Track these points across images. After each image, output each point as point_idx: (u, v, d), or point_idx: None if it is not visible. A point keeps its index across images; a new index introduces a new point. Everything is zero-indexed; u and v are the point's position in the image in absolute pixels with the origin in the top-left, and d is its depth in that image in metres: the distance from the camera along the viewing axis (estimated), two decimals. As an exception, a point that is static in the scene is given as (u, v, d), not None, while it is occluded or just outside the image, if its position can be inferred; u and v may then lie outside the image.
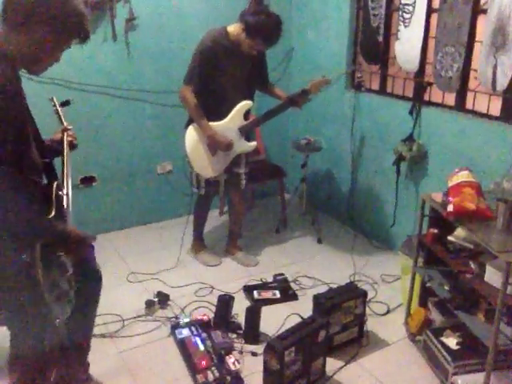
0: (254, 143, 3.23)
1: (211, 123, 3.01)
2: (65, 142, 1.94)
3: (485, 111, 2.84)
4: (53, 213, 1.68)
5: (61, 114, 2.06)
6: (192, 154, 3.09)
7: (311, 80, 3.18)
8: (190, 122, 3.10)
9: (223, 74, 2.96)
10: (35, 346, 1.77)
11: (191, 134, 3.08)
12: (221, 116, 3.04)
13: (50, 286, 1.63)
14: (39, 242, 1.56)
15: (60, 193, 1.79)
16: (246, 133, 3.15)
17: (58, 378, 1.94)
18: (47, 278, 1.60)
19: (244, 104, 3.06)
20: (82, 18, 1.60)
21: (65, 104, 2.11)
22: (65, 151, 1.93)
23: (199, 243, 3.48)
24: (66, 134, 1.97)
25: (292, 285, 3.11)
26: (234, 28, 2.94)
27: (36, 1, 1.51)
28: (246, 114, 3.14)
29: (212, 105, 3.00)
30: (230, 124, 3.06)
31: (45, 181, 1.77)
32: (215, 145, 3.04)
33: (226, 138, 3.03)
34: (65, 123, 2.03)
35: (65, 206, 1.79)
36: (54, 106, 2.08)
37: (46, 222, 1.63)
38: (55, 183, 1.77)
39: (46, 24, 1.53)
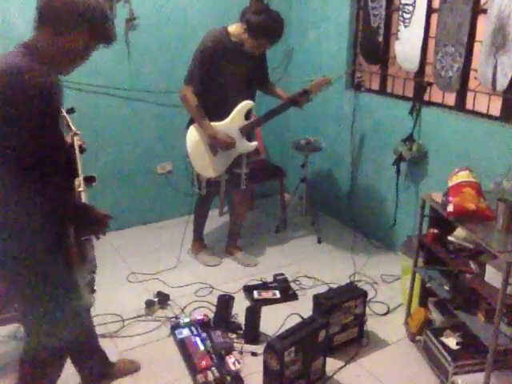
0: (254, 143, 3.23)
1: (212, 123, 3.01)
2: (76, 146, 1.99)
3: (485, 111, 2.84)
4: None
5: (68, 120, 2.10)
6: (193, 155, 3.09)
7: (312, 80, 3.18)
8: (190, 122, 3.10)
9: (224, 74, 2.96)
10: (60, 336, 1.82)
11: (192, 135, 3.08)
12: (222, 116, 3.04)
13: (81, 272, 1.73)
14: (75, 222, 1.69)
15: (80, 189, 1.87)
16: (247, 133, 3.15)
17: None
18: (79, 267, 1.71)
19: (245, 104, 3.06)
20: (111, 21, 1.70)
21: (69, 112, 2.15)
22: (76, 154, 1.98)
23: (199, 243, 3.48)
24: (75, 138, 2.03)
25: (292, 285, 3.11)
26: (234, 28, 2.94)
27: (73, 6, 1.58)
28: (247, 114, 3.13)
29: (213, 105, 3.00)
30: (231, 124, 3.06)
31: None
32: (217, 144, 3.04)
33: (227, 137, 3.02)
34: (73, 128, 2.07)
35: (83, 201, 1.88)
36: (61, 113, 2.12)
37: (81, 203, 1.77)
38: (78, 179, 1.86)
39: (83, 28, 1.61)
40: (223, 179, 3.22)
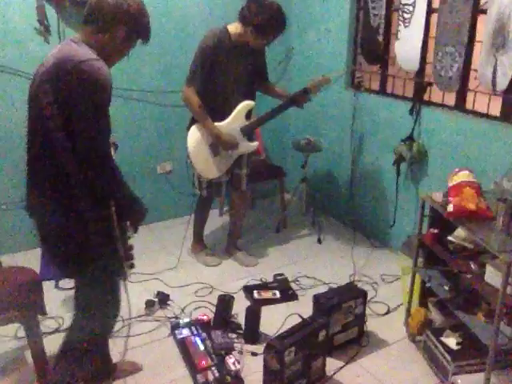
0: (255, 143, 3.23)
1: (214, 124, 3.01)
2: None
3: (485, 111, 2.84)
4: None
5: None
6: (194, 155, 3.08)
7: (311, 79, 3.18)
8: (191, 123, 3.09)
9: (225, 73, 2.96)
10: (107, 313, 2.04)
11: (194, 135, 3.07)
12: (223, 116, 3.04)
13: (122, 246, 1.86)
14: (115, 204, 1.80)
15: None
16: (248, 133, 3.15)
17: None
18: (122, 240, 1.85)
19: (246, 104, 3.06)
20: (148, 19, 1.87)
21: None
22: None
23: (199, 243, 3.48)
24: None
25: (292, 285, 3.11)
26: (234, 27, 2.94)
27: (118, 4, 1.75)
28: (248, 114, 3.13)
29: (214, 105, 3.00)
30: (232, 124, 3.06)
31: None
32: (221, 144, 3.04)
33: (231, 137, 3.03)
34: None
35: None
36: None
37: (127, 186, 1.91)
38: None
39: (125, 25, 1.78)
40: (224, 181, 3.21)
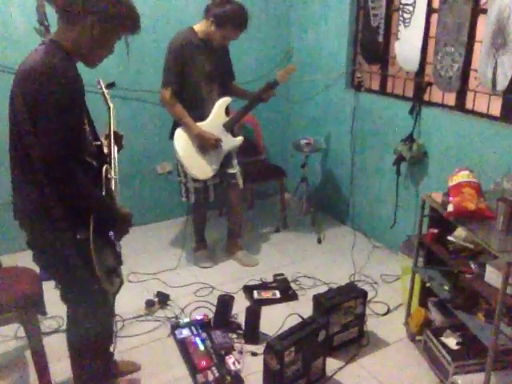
0: (240, 138, 3.26)
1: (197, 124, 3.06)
2: (112, 125, 2.04)
3: (485, 111, 2.84)
4: (103, 193, 1.81)
5: (107, 96, 2.13)
6: (185, 158, 3.09)
7: (278, 69, 3.24)
8: (173, 129, 3.12)
9: (197, 72, 3.01)
10: (91, 325, 1.92)
11: (180, 138, 3.09)
12: (200, 116, 3.08)
13: (101, 264, 1.75)
14: (93, 217, 1.70)
15: (109, 176, 1.89)
16: (231, 128, 3.19)
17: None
18: (100, 257, 1.73)
19: (224, 100, 3.13)
20: (129, 9, 1.76)
21: (110, 86, 2.19)
22: (111, 134, 2.02)
23: (200, 243, 3.48)
24: (111, 115, 2.07)
25: (292, 285, 3.11)
26: (200, 25, 3.00)
27: None
28: (227, 111, 3.18)
29: (190, 105, 3.04)
30: (213, 122, 3.11)
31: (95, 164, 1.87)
32: (204, 143, 3.06)
33: (213, 135, 3.06)
34: (110, 104, 2.10)
35: (113, 188, 1.90)
36: (101, 88, 2.15)
37: (100, 196, 1.78)
38: (105, 166, 1.87)
39: (96, 16, 1.67)
40: (211, 184, 3.22)
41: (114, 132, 2.04)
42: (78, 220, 1.70)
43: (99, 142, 1.93)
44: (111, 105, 2.10)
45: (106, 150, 1.98)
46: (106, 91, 2.11)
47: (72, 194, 1.66)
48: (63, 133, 1.60)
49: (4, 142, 3.25)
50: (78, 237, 1.70)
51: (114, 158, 1.97)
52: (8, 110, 1.72)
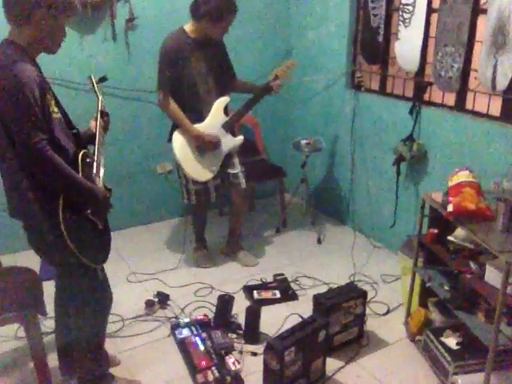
0: (240, 137, 3.25)
1: (195, 125, 3.05)
2: (98, 111, 2.15)
3: (485, 111, 2.84)
4: (79, 175, 1.86)
5: (96, 89, 2.24)
6: (184, 161, 3.08)
7: (279, 65, 3.26)
8: (172, 132, 3.12)
9: (192, 72, 3.01)
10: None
11: (178, 141, 3.09)
12: (199, 117, 3.08)
13: (77, 239, 1.83)
14: (63, 195, 1.78)
15: (88, 160, 1.95)
16: (230, 128, 3.18)
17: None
18: (76, 232, 1.82)
19: (222, 100, 3.11)
20: None
21: (102, 80, 2.30)
22: (98, 116, 2.13)
23: (200, 243, 3.48)
24: (100, 102, 2.18)
25: (292, 285, 3.11)
26: (190, 25, 3.00)
27: None
28: (225, 111, 3.17)
29: (187, 107, 3.04)
30: (212, 122, 3.10)
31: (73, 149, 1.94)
32: (203, 145, 3.06)
33: (212, 136, 3.06)
34: (99, 96, 2.21)
35: (94, 171, 1.96)
36: (91, 83, 2.25)
37: (72, 174, 1.81)
38: (82, 151, 1.94)
39: (45, 8, 1.74)
40: (212, 185, 3.22)
41: (101, 111, 2.16)
42: (52, 197, 1.79)
43: (75, 130, 2.04)
44: (100, 97, 2.22)
45: (94, 130, 2.10)
46: (96, 85, 2.23)
47: (44, 171, 1.75)
48: (28, 120, 1.70)
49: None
50: (51, 212, 1.78)
51: (100, 139, 2.07)
52: None
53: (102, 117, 2.15)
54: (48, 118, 1.80)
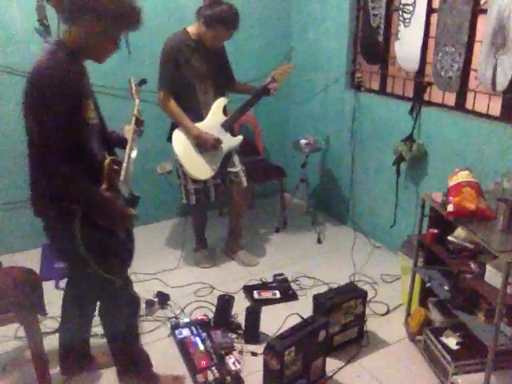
0: (239, 137, 3.26)
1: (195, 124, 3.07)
2: (134, 116, 2.13)
3: (485, 111, 2.84)
4: (104, 185, 1.83)
5: (134, 93, 2.23)
6: (184, 160, 3.09)
7: (276, 67, 3.26)
8: (171, 131, 3.13)
9: (191, 73, 3.03)
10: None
11: (178, 139, 3.10)
12: (197, 117, 3.09)
13: (94, 249, 1.82)
14: (85, 209, 1.77)
15: (115, 167, 1.90)
16: (230, 127, 3.20)
17: None
18: (93, 242, 1.81)
19: (220, 101, 3.15)
20: (129, 4, 1.77)
21: (142, 83, 2.31)
22: (133, 121, 2.11)
23: (200, 243, 3.48)
24: (136, 107, 2.16)
25: (292, 285, 3.11)
26: (193, 27, 3.03)
27: None
28: (224, 111, 3.19)
29: (186, 107, 3.05)
30: (211, 122, 3.12)
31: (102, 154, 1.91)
32: (203, 144, 3.07)
33: (211, 135, 3.07)
34: (136, 101, 2.19)
35: (121, 178, 1.90)
36: (130, 86, 2.24)
37: (93, 189, 1.79)
38: (108, 159, 1.89)
39: (95, 14, 1.71)
40: (211, 184, 3.22)
41: (136, 117, 2.13)
42: (62, 207, 1.77)
43: (107, 136, 2.02)
44: (137, 101, 2.19)
45: (127, 136, 2.07)
46: (134, 88, 2.20)
47: (60, 187, 1.74)
48: (54, 130, 1.68)
49: (9, 139, 3.28)
50: (70, 222, 1.77)
51: (131, 143, 2.02)
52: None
53: (136, 124, 2.12)
54: (80, 125, 1.78)
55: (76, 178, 1.74)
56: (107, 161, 1.87)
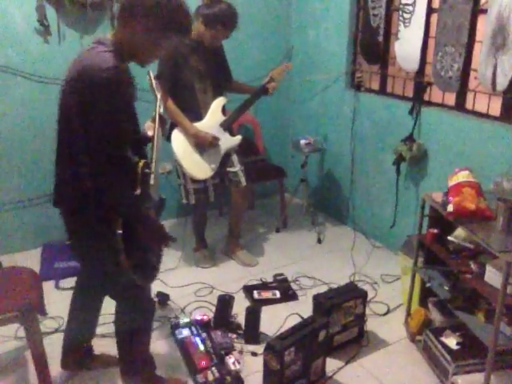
0: (238, 137, 3.27)
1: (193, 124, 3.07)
2: (157, 112, 2.01)
3: (485, 111, 2.84)
4: (138, 190, 1.79)
5: (154, 86, 2.10)
6: (183, 159, 3.09)
7: (274, 68, 3.28)
8: (170, 131, 3.12)
9: (190, 72, 3.03)
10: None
11: (177, 139, 3.10)
12: (197, 116, 3.10)
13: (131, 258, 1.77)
14: (123, 217, 1.72)
15: (147, 170, 1.84)
16: (229, 127, 3.20)
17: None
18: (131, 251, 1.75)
19: (219, 100, 3.15)
20: (178, 11, 1.75)
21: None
22: (156, 118, 1.99)
23: (200, 243, 3.49)
24: (157, 106, 2.03)
25: (292, 285, 3.11)
26: (192, 26, 2.99)
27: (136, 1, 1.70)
28: (223, 111, 3.19)
29: (185, 106, 3.05)
30: (210, 122, 3.12)
31: (135, 158, 1.87)
32: (201, 143, 3.07)
33: (210, 134, 3.07)
34: (158, 94, 2.07)
35: (151, 182, 1.85)
36: (150, 79, 2.13)
37: (133, 197, 1.76)
38: (143, 161, 1.84)
39: (143, 18, 1.70)
40: (210, 184, 3.22)
41: (159, 115, 2.04)
42: (105, 215, 1.73)
43: (138, 136, 1.97)
44: (158, 95, 2.09)
45: (150, 133, 2.00)
46: (154, 82, 2.11)
47: (109, 196, 1.71)
48: (113, 134, 1.65)
49: (9, 140, 3.27)
50: (108, 230, 1.73)
51: (157, 141, 1.94)
52: (59, 108, 1.78)
53: (160, 122, 2.02)
54: (129, 127, 1.78)
55: (127, 192, 1.73)
56: (141, 164, 1.83)
